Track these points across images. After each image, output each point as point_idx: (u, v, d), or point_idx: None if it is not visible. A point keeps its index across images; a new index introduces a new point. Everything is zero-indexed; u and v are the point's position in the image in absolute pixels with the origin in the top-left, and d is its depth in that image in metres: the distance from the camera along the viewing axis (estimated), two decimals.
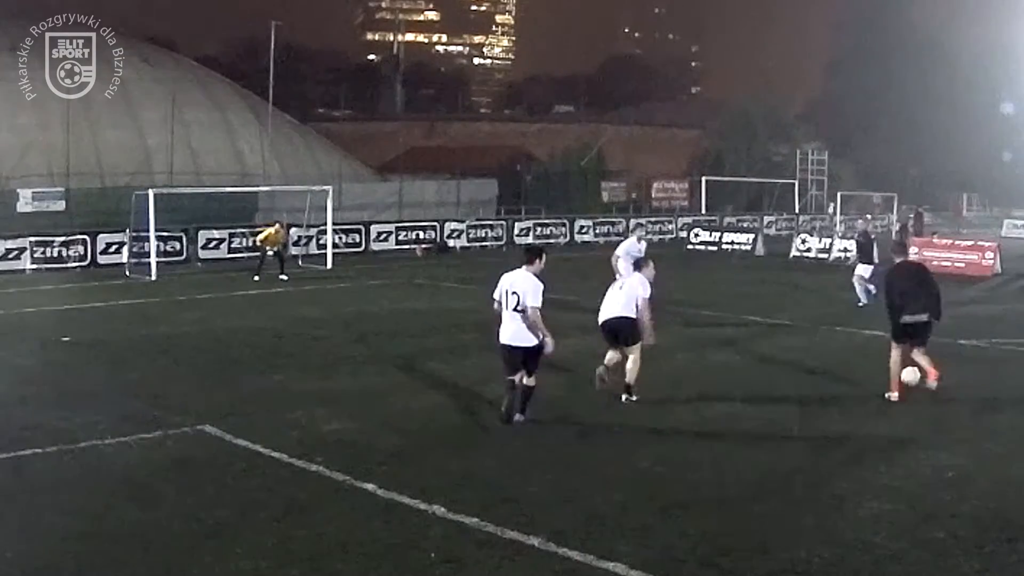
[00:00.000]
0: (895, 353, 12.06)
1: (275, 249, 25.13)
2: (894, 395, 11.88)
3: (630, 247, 19.03)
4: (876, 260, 21.38)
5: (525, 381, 10.58)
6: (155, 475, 8.87)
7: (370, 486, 8.51)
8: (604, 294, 12.14)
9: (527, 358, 10.48)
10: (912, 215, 41.90)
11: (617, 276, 14.02)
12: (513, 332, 10.48)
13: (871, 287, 20.68)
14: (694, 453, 9.75)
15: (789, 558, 7.09)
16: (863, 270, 21.59)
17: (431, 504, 8.04)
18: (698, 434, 10.48)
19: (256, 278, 24.24)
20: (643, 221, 39.60)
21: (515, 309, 10.41)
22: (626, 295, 11.83)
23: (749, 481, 8.83)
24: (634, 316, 11.67)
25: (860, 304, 20.73)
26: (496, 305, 10.74)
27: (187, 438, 10.11)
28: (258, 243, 25.69)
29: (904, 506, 8.22)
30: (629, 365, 11.72)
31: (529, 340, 10.37)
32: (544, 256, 10.90)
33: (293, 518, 7.82)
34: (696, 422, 10.96)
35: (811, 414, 11.33)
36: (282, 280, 24.36)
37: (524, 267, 10.65)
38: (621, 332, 11.75)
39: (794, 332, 17.24)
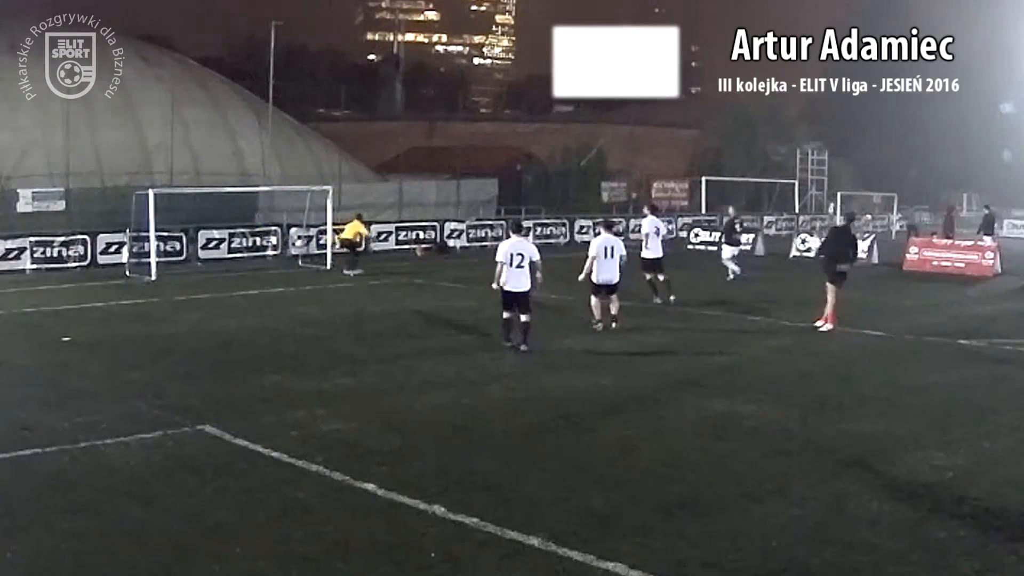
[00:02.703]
0: (837, 294, 17.14)
1: (359, 240, 26.53)
2: (829, 326, 16.96)
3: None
4: (740, 242, 27.10)
5: (524, 319, 14.79)
6: (155, 475, 8.87)
7: (370, 486, 8.51)
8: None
9: (523, 300, 14.76)
10: (944, 214, 41.54)
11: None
12: (515, 282, 14.73)
13: (735, 267, 25.35)
14: (694, 453, 9.75)
15: (789, 558, 7.10)
16: (728, 251, 25.76)
17: (431, 504, 8.04)
18: (698, 434, 10.48)
19: (354, 272, 25.49)
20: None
21: (518, 266, 14.69)
22: (618, 263, 16.51)
23: (749, 481, 8.82)
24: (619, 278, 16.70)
25: (729, 278, 24.80)
26: (500, 265, 14.84)
27: (187, 438, 10.11)
28: (342, 240, 26.77)
29: (904, 506, 8.23)
30: (615, 305, 16.60)
31: (524, 287, 14.73)
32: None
33: (293, 518, 7.82)
34: (696, 422, 10.97)
35: (811, 414, 11.33)
36: (348, 275, 25.35)
37: (518, 237, 15.35)
38: (613, 288, 16.55)
39: (794, 332, 17.24)
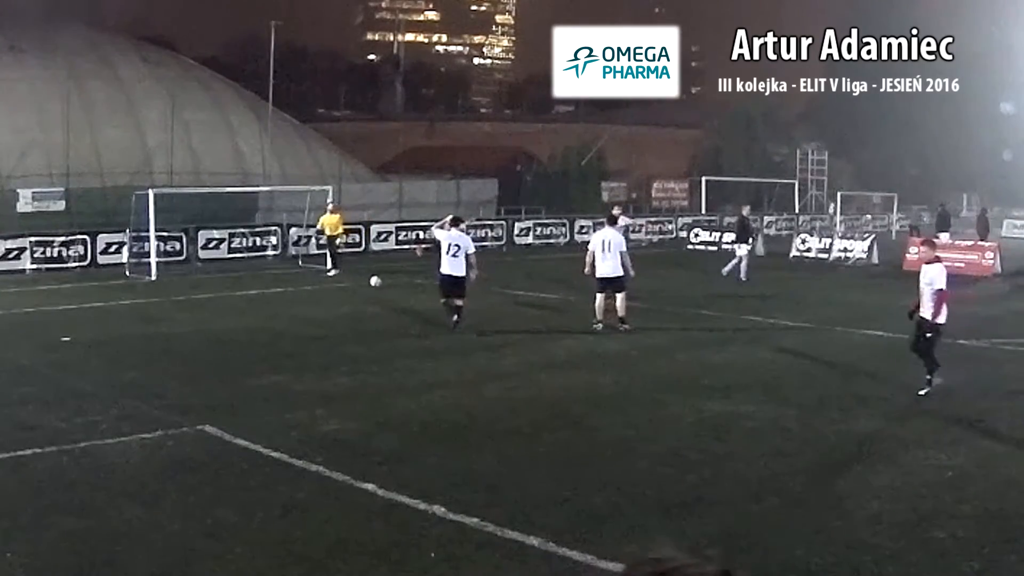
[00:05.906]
0: None
1: (335, 235, 26.41)
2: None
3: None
4: (751, 241, 26.48)
5: (458, 303, 16.17)
6: (155, 475, 8.87)
7: (370, 486, 8.51)
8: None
9: (458, 285, 16.12)
10: (976, 215, 41.18)
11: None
12: (451, 267, 16.15)
13: (728, 266, 25.11)
14: (694, 453, 9.74)
15: (789, 558, 7.10)
16: (740, 249, 25.41)
17: (431, 504, 8.04)
18: (698, 434, 10.48)
19: (333, 272, 25.57)
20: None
21: (454, 255, 16.07)
22: (614, 258, 16.39)
23: (749, 481, 8.82)
24: (623, 272, 16.42)
25: (725, 273, 24.86)
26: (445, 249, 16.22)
27: (187, 438, 10.11)
28: (326, 234, 26.68)
29: (904, 506, 8.22)
30: (620, 303, 16.41)
31: (460, 273, 16.08)
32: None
33: (293, 518, 7.82)
34: (696, 422, 10.96)
35: (811, 414, 11.33)
36: (328, 275, 25.36)
37: (455, 229, 16.48)
38: (615, 283, 16.42)
39: (794, 332, 17.23)
